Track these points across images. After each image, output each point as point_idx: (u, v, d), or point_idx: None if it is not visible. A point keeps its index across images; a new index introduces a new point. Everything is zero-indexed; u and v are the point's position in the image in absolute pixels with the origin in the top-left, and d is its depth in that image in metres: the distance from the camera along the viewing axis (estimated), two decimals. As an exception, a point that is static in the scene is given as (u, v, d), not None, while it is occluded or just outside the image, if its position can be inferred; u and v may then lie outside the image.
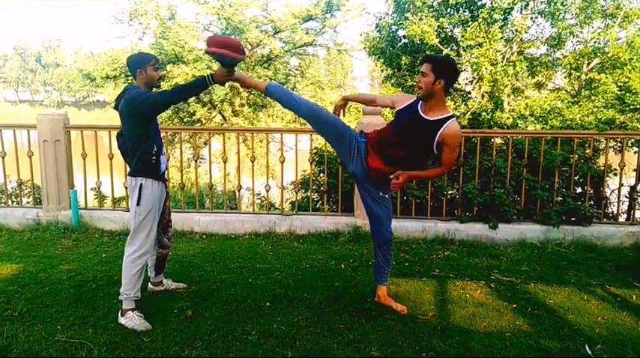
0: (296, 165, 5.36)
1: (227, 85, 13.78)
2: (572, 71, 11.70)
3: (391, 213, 3.32)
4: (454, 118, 2.91)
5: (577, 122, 9.81)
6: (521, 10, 11.57)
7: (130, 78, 15.03)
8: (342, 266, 4.17)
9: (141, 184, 3.05)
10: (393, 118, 3.19)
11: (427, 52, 11.31)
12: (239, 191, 5.65)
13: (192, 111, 14.47)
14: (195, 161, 6.05)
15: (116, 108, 3.14)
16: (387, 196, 3.22)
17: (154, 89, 3.19)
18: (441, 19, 11.34)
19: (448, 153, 2.93)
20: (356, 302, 3.38)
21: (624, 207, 5.75)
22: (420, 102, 2.94)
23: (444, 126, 2.87)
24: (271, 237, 5.05)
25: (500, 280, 3.86)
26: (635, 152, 8.05)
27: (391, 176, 2.91)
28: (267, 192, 5.55)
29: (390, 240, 3.30)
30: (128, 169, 3.21)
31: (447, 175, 5.17)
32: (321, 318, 3.13)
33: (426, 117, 2.90)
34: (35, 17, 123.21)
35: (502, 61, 11.16)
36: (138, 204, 3.05)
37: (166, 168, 3.29)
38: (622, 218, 5.55)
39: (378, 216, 3.22)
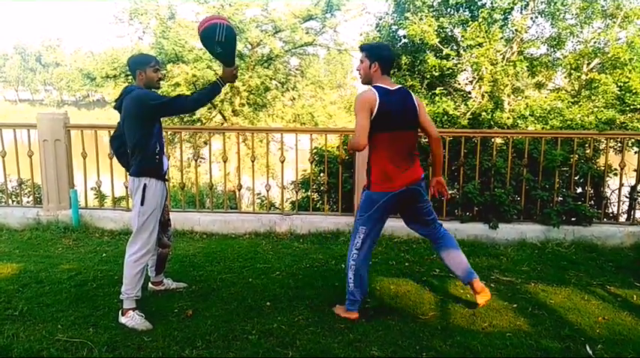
0: (296, 164, 5.36)
1: (228, 85, 13.81)
2: (572, 71, 11.69)
3: (355, 223, 3.26)
4: (369, 89, 2.95)
5: (577, 122, 9.81)
6: (522, 10, 11.56)
7: (130, 77, 15.03)
8: (343, 265, 4.16)
9: (145, 184, 3.05)
10: None
11: (427, 52, 11.31)
12: (239, 191, 5.65)
13: (192, 110, 14.46)
14: (196, 161, 6.04)
15: (117, 108, 3.14)
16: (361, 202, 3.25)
17: (154, 90, 3.19)
18: (441, 19, 11.33)
19: (355, 122, 2.96)
20: (356, 302, 3.38)
21: (624, 207, 5.75)
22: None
23: None
24: (271, 236, 5.05)
25: (501, 280, 3.86)
26: (635, 152, 8.05)
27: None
28: (268, 191, 5.55)
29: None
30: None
31: (448, 175, 5.17)
32: (322, 318, 3.13)
33: None
34: (35, 17, 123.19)
35: (502, 61, 11.16)
36: (142, 204, 3.05)
37: (168, 168, 3.29)
38: (622, 218, 5.55)
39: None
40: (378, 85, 2.97)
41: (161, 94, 3.14)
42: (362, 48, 3.10)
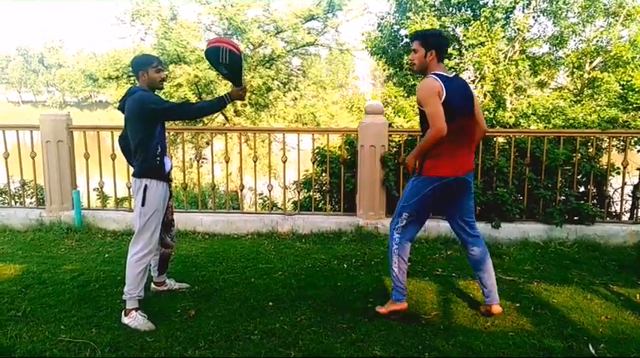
0: (298, 164, 5.36)
1: (229, 85, 13.86)
2: (574, 70, 11.66)
3: (397, 208, 3.18)
4: (428, 77, 2.90)
5: (580, 121, 9.78)
6: (524, 8, 11.54)
7: (132, 78, 15.05)
8: (345, 265, 4.17)
9: (145, 185, 3.06)
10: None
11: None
12: (241, 191, 5.66)
13: (194, 111, 14.48)
14: (198, 161, 6.06)
15: (120, 108, 3.16)
16: (406, 188, 3.16)
17: (157, 91, 3.21)
18: (442, 19, 11.32)
19: (425, 108, 2.86)
20: (359, 302, 3.39)
21: (627, 205, 5.73)
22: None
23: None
24: (274, 236, 5.05)
25: (503, 279, 3.85)
26: (638, 151, 8.03)
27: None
28: (270, 191, 5.55)
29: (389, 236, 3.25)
30: (131, 170, 3.22)
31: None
32: (324, 318, 3.13)
33: None
34: (37, 18, 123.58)
35: (504, 60, 11.13)
36: (142, 205, 3.06)
37: (171, 168, 3.30)
38: (625, 217, 5.52)
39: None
40: (437, 72, 2.91)
41: (165, 99, 3.15)
42: (415, 36, 3.02)
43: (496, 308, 3.16)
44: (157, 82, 3.15)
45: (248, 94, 14.76)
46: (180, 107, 3.16)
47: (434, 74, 2.90)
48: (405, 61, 11.58)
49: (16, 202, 5.99)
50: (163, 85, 3.24)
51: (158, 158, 3.09)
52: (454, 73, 3.03)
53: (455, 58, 11.29)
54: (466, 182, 3.03)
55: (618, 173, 5.16)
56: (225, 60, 2.97)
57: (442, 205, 3.20)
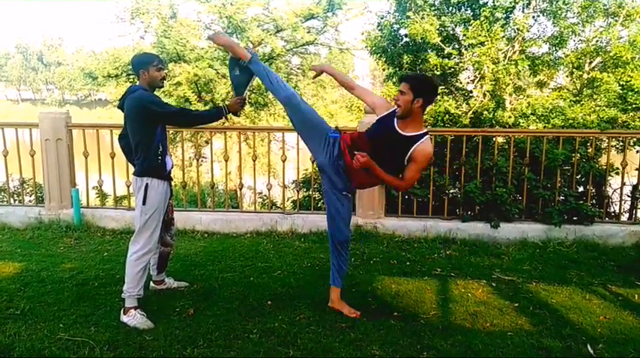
0: (297, 163, 5.36)
1: (228, 84, 13.85)
2: (574, 70, 11.65)
3: (350, 214, 3.24)
4: (428, 136, 2.94)
5: (579, 121, 9.77)
6: (523, 8, 11.52)
7: (131, 77, 15.03)
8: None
9: (147, 184, 3.06)
10: (371, 125, 3.21)
11: (429, 51, 11.29)
12: (240, 190, 5.65)
13: (194, 110, 14.48)
14: (197, 160, 6.06)
15: (120, 107, 3.15)
16: (349, 195, 3.17)
17: (157, 89, 3.21)
18: (442, 18, 11.31)
19: (414, 170, 2.93)
20: (357, 301, 3.38)
21: (626, 206, 5.74)
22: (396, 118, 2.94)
23: (418, 143, 2.89)
24: (273, 235, 5.05)
25: (502, 279, 3.86)
26: (637, 151, 8.03)
27: (357, 153, 2.89)
28: (269, 190, 5.55)
29: (347, 241, 3.25)
30: (131, 168, 3.22)
31: (449, 174, 5.16)
32: (323, 317, 3.13)
33: (403, 133, 2.91)
34: (37, 16, 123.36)
35: (504, 60, 11.13)
36: (143, 204, 3.06)
37: (172, 166, 3.30)
38: (624, 217, 5.53)
39: (336, 213, 3.13)
40: (427, 132, 2.94)
41: (165, 102, 3.15)
42: (406, 79, 2.93)
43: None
44: (157, 80, 3.14)
45: (248, 93, 14.76)
46: (179, 114, 3.18)
47: (427, 134, 2.94)
48: (404, 61, 11.58)
49: (15, 200, 5.99)
50: (164, 84, 3.24)
51: (159, 157, 3.09)
52: None
53: (454, 57, 11.28)
54: None
55: (617, 173, 5.16)
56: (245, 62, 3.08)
57: None
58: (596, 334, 2.96)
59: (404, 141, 2.91)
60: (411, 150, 2.90)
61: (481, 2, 11.40)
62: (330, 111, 16.89)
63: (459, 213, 5.15)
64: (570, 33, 11.35)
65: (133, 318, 3.01)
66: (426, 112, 3.03)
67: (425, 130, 2.95)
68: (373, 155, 2.90)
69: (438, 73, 11.24)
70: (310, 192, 5.83)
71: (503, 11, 10.89)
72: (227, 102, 3.23)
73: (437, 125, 10.35)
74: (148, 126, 3.04)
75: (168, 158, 3.21)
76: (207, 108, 14.75)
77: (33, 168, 5.53)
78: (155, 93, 3.22)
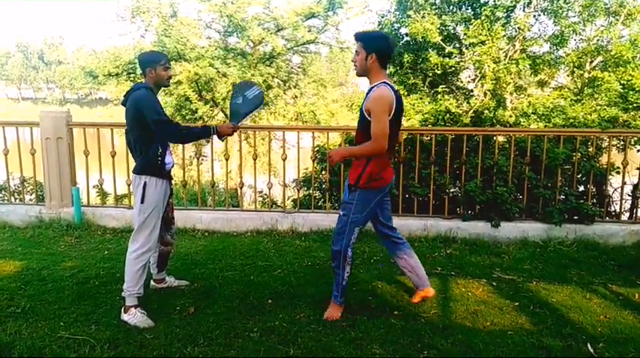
0: (298, 162, 5.36)
1: (229, 83, 13.85)
2: (574, 69, 11.65)
3: (345, 225, 3.05)
4: (383, 84, 2.84)
5: (580, 120, 9.77)
6: (524, 7, 11.51)
7: (132, 75, 15.03)
8: (344, 264, 4.16)
9: (145, 182, 3.06)
10: None
11: (430, 50, 11.29)
12: (241, 189, 5.65)
13: (194, 108, 14.48)
14: (198, 158, 6.06)
15: (124, 104, 3.16)
16: (351, 202, 3.02)
17: (163, 88, 3.22)
18: (443, 17, 11.29)
19: (374, 121, 2.78)
20: (358, 300, 3.39)
21: (627, 205, 5.73)
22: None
23: (369, 94, 2.86)
24: (273, 234, 5.05)
25: (502, 278, 3.86)
26: (638, 150, 8.03)
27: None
28: (269, 189, 5.55)
29: (337, 254, 3.06)
30: (131, 167, 3.22)
31: (450, 173, 5.16)
32: (323, 316, 3.13)
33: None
34: (37, 15, 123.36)
35: (505, 59, 11.12)
36: (142, 202, 3.06)
37: (173, 165, 3.30)
38: (624, 216, 5.53)
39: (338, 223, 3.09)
40: (386, 81, 2.86)
41: (159, 111, 3.05)
42: (357, 37, 2.91)
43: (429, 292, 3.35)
44: (164, 79, 3.15)
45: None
46: (169, 125, 3.06)
47: (386, 83, 2.84)
48: (405, 60, 11.57)
49: (15, 199, 5.99)
50: (170, 83, 3.25)
51: (159, 157, 3.09)
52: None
53: (455, 56, 11.28)
54: (391, 185, 3.15)
55: (618, 172, 5.16)
56: (252, 94, 3.16)
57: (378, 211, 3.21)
58: (596, 333, 2.96)
59: (365, 98, 2.90)
60: (364, 103, 2.85)
61: (482, 1, 11.40)
62: (331, 110, 16.88)
63: (459, 212, 5.15)
64: (571, 32, 11.34)
65: (134, 317, 3.01)
66: (387, 68, 2.95)
67: (382, 81, 2.85)
68: (357, 134, 3.00)
69: (439, 72, 11.23)
70: (311, 191, 5.83)
71: (504, 10, 10.88)
72: (217, 123, 3.22)
73: (438, 124, 10.34)
74: (144, 127, 3.03)
75: (169, 156, 3.20)
76: (207, 107, 14.80)
77: (33, 167, 5.53)
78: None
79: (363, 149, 2.88)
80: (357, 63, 2.89)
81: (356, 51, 2.91)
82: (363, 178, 2.95)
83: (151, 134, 3.04)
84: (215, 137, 3.25)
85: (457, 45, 11.82)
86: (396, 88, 2.94)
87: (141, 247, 3.09)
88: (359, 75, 2.94)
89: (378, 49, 2.84)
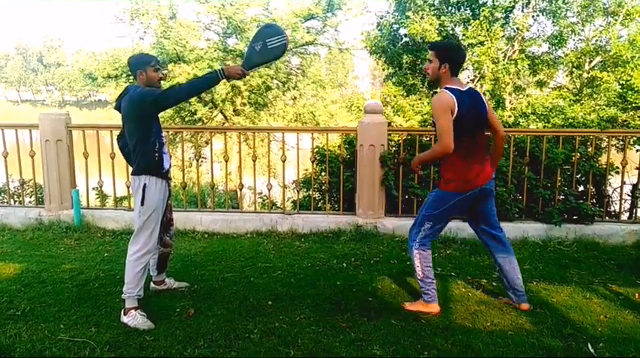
0: (297, 164, 5.36)
1: (229, 84, 13.84)
2: (573, 69, 11.68)
3: (418, 217, 3.28)
4: (443, 90, 2.95)
5: (579, 120, 9.79)
6: (523, 8, 11.54)
7: (131, 77, 15.02)
8: (344, 264, 4.17)
9: (145, 184, 3.06)
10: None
11: (428, 51, 11.33)
12: (241, 190, 5.65)
13: (193, 110, 14.49)
14: (197, 160, 6.06)
15: (117, 108, 3.15)
16: (427, 198, 3.26)
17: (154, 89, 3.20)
18: (442, 18, 11.32)
19: (438, 125, 2.91)
20: (358, 301, 3.39)
21: (626, 205, 5.74)
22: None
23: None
24: (273, 235, 5.05)
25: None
26: (637, 150, 8.03)
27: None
28: (269, 191, 5.55)
29: (410, 248, 3.32)
30: (130, 169, 3.21)
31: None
32: (323, 317, 3.13)
33: None
34: (36, 17, 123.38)
35: (504, 60, 11.14)
36: (142, 204, 3.06)
37: (170, 166, 3.29)
38: (624, 216, 5.53)
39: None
40: (450, 86, 2.95)
41: (154, 91, 3.03)
42: (432, 47, 3.11)
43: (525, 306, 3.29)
44: (155, 81, 3.14)
45: (247, 94, 14.74)
46: (171, 89, 3.02)
47: (447, 88, 2.94)
48: (404, 60, 11.59)
49: (15, 201, 5.99)
50: (161, 84, 3.23)
51: (157, 154, 3.09)
52: (468, 86, 3.07)
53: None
54: (487, 190, 3.14)
55: (617, 172, 5.16)
56: (274, 44, 2.95)
57: (465, 213, 3.31)
58: (596, 333, 2.96)
59: None
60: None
61: (480, 2, 11.41)
62: (330, 111, 16.91)
63: (459, 213, 5.15)
64: (570, 32, 11.37)
65: (134, 319, 3.01)
66: (457, 74, 3.07)
67: (443, 87, 2.99)
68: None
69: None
70: (310, 192, 5.83)
71: (503, 11, 10.91)
72: (226, 65, 3.11)
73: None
74: (145, 123, 3.03)
75: (166, 156, 3.20)
76: (206, 108, 14.78)
77: (33, 169, 5.53)
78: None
79: (432, 151, 3.09)
80: (430, 71, 3.05)
81: (429, 59, 3.05)
82: (441, 180, 3.14)
83: (149, 129, 3.03)
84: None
85: (456, 45, 11.84)
86: (467, 87, 3.02)
87: (141, 249, 3.08)
88: (431, 81, 3.11)
89: (451, 59, 2.99)
